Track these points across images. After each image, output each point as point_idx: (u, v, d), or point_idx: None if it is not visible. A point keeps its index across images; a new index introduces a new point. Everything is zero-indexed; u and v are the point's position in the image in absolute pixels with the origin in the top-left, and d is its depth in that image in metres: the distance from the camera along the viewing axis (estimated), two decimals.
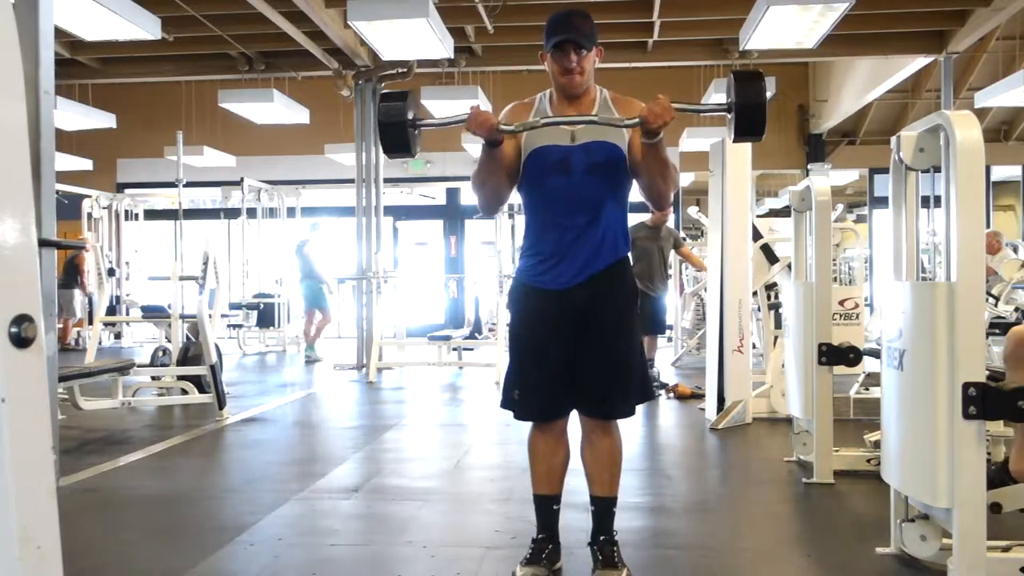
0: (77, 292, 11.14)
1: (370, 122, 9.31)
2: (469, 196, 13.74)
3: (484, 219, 11.36)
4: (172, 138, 8.07)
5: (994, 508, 2.50)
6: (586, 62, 2.41)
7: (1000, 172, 13.82)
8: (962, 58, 9.91)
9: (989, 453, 2.91)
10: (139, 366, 6.42)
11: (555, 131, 2.43)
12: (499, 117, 2.47)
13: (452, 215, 13.89)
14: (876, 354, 4.36)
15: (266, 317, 11.05)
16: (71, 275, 11.07)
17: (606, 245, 2.46)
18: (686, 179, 14.31)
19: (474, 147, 10.81)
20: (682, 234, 7.79)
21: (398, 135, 2.45)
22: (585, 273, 2.45)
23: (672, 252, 7.48)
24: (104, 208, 12.28)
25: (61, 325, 10.85)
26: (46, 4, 3.78)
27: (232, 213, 12.85)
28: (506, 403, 2.59)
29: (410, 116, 2.45)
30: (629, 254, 2.56)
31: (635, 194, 2.57)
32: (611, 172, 2.44)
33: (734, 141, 2.47)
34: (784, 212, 14.38)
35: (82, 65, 9.80)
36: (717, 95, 8.82)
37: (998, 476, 2.66)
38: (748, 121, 2.33)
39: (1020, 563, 2.41)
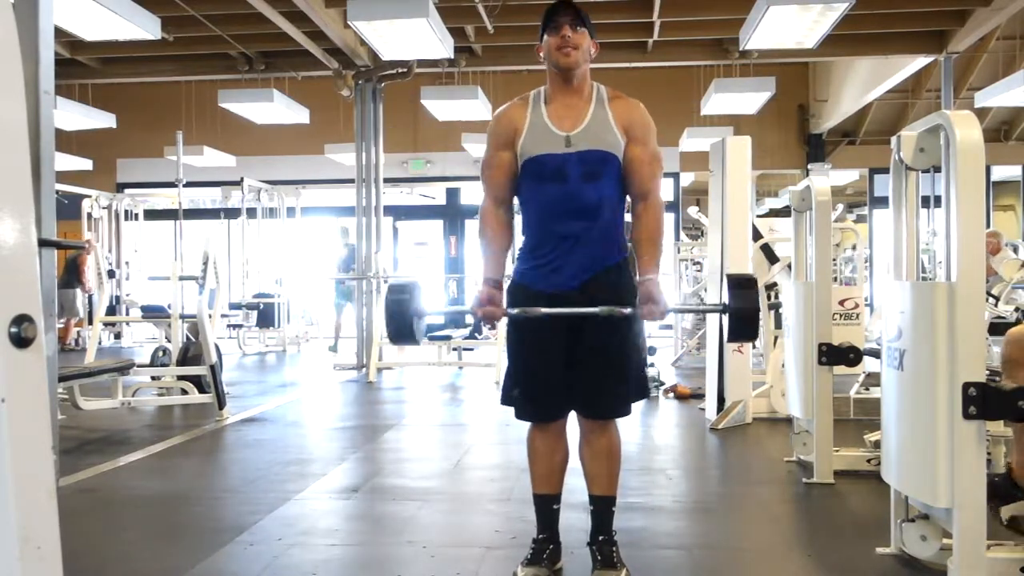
0: (78, 291, 11.14)
1: (370, 122, 9.32)
2: (469, 196, 13.78)
3: None
4: (172, 138, 8.07)
5: (1011, 523, 2.50)
6: (581, 39, 2.42)
7: (1000, 172, 13.81)
8: (962, 58, 9.91)
9: (989, 453, 2.91)
10: (139, 366, 6.43)
11: (551, 138, 2.44)
12: (495, 116, 2.55)
13: (452, 215, 13.89)
14: (876, 354, 4.36)
15: (266, 317, 11.04)
16: (72, 275, 11.07)
17: (603, 250, 2.47)
18: (686, 179, 14.33)
19: (474, 147, 10.82)
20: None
21: (406, 329, 2.55)
22: (582, 277, 2.46)
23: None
24: (104, 208, 12.28)
25: (63, 325, 10.85)
26: (46, 4, 3.78)
27: (232, 213, 12.84)
28: (506, 400, 2.61)
29: (416, 307, 2.57)
30: (627, 255, 2.57)
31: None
32: (607, 179, 2.45)
33: (728, 341, 2.60)
34: (784, 212, 14.38)
35: (82, 65, 9.80)
36: (717, 95, 8.82)
37: (1005, 487, 2.64)
38: (741, 324, 2.48)
39: (1020, 563, 2.41)
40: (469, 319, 11.29)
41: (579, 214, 2.44)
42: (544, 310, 2.43)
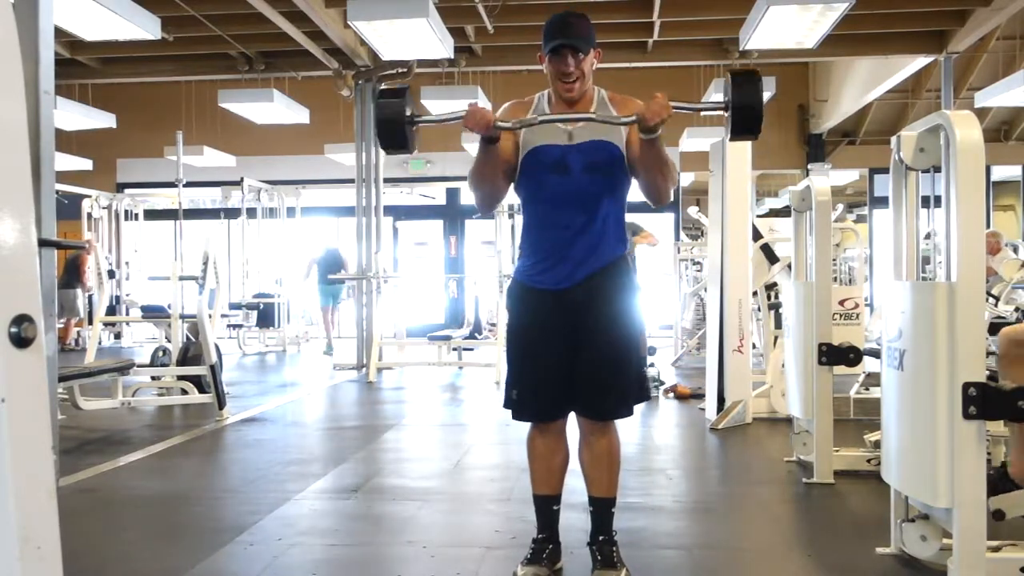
0: (79, 292, 11.14)
1: (370, 122, 9.31)
2: (469, 196, 13.71)
3: (483, 219, 11.36)
4: (172, 138, 8.07)
5: (997, 515, 2.50)
6: (584, 65, 2.41)
7: (1000, 172, 13.81)
8: (962, 58, 9.91)
9: (989, 453, 2.91)
10: (139, 366, 6.43)
11: (553, 130, 2.43)
12: (497, 114, 2.47)
13: (452, 215, 13.89)
14: (876, 354, 4.36)
15: (266, 317, 11.05)
16: (72, 275, 11.07)
17: (604, 244, 2.46)
18: (686, 179, 14.32)
19: (474, 147, 10.75)
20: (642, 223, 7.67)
21: (396, 131, 2.44)
22: (583, 272, 2.45)
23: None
24: (104, 208, 12.28)
25: (63, 325, 10.85)
26: (46, 4, 3.78)
27: (232, 213, 12.84)
28: (508, 403, 2.60)
29: (407, 112, 2.44)
30: (627, 252, 2.56)
31: (635, 193, 2.57)
32: (609, 171, 2.44)
33: (731, 140, 2.48)
34: (784, 212, 14.38)
35: (82, 65, 9.80)
36: (717, 95, 8.81)
37: (999, 481, 2.65)
38: (745, 119, 2.34)
39: (1020, 563, 2.41)
40: (468, 320, 11.30)
41: (580, 206, 2.43)
42: (541, 118, 2.37)
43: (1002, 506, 2.53)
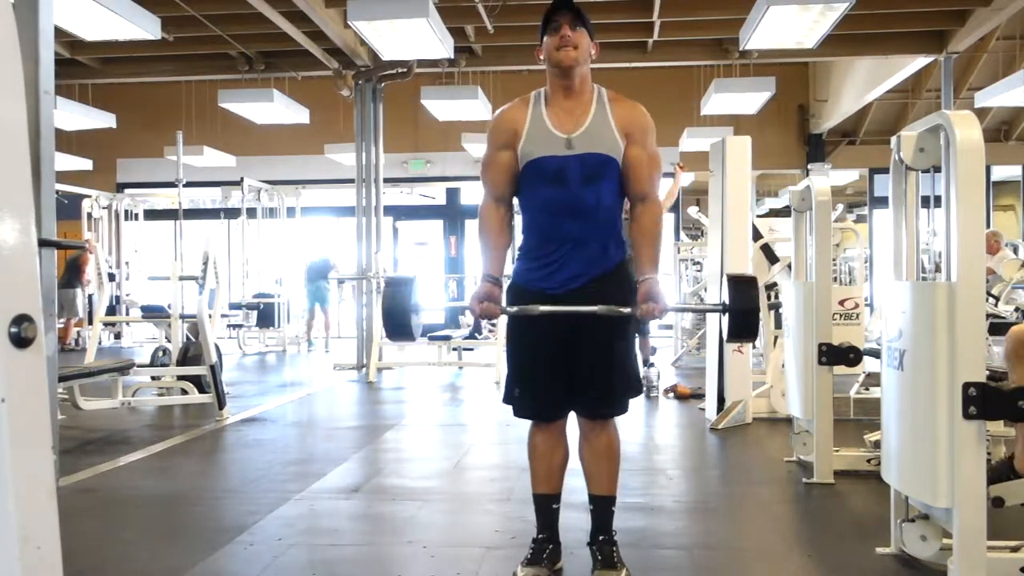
0: (79, 291, 11.15)
1: (370, 122, 9.32)
2: (469, 196, 13.78)
3: None
4: (172, 138, 8.06)
5: (996, 502, 2.50)
6: (580, 38, 2.41)
7: (1000, 172, 13.81)
8: (962, 58, 9.91)
9: (989, 453, 2.91)
10: (139, 366, 6.43)
11: (551, 140, 2.43)
12: (497, 113, 2.53)
13: (452, 215, 13.89)
14: (876, 354, 4.36)
15: (266, 317, 11.05)
16: (73, 275, 11.07)
17: (603, 252, 2.48)
18: (686, 179, 14.30)
19: (474, 147, 10.82)
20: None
21: (403, 323, 2.54)
22: (582, 279, 2.46)
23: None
24: (104, 208, 12.29)
25: (63, 325, 10.86)
26: (46, 4, 3.78)
27: (232, 213, 12.85)
28: (508, 399, 2.61)
29: (414, 301, 2.56)
30: (627, 256, 2.57)
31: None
32: (607, 181, 2.45)
33: (728, 341, 2.58)
34: (784, 212, 14.37)
35: (82, 65, 9.80)
36: (717, 95, 8.82)
37: (1003, 471, 2.65)
38: (740, 323, 2.46)
39: (1020, 563, 2.41)
40: (468, 320, 11.30)
41: (579, 216, 2.44)
42: (543, 308, 2.42)
43: (1002, 494, 2.53)
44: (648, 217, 2.49)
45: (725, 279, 2.52)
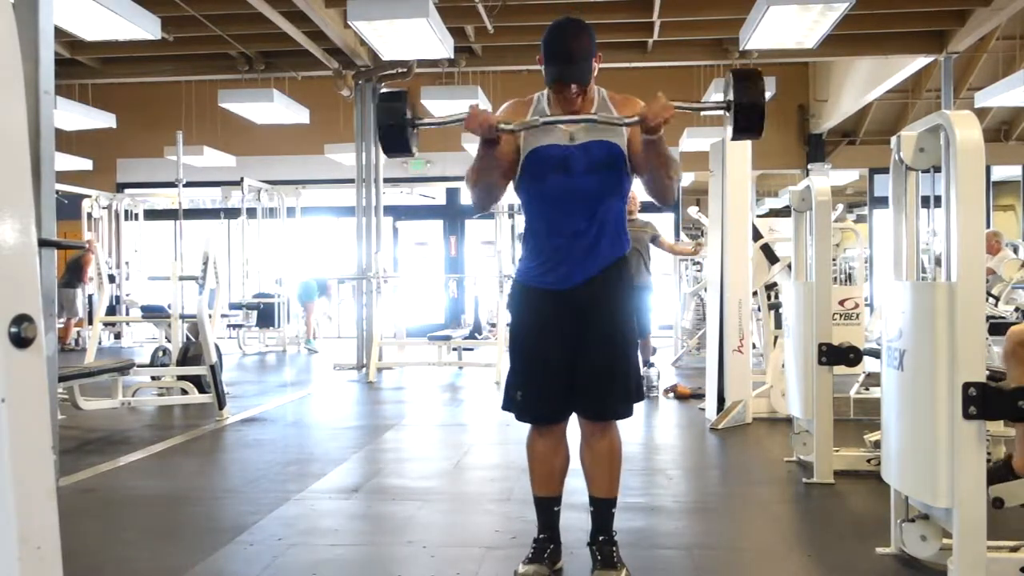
0: (79, 291, 11.15)
1: (370, 122, 9.31)
2: (469, 196, 13.73)
3: (483, 219, 11.37)
4: (172, 138, 8.07)
5: (996, 503, 2.50)
6: (586, 89, 2.41)
7: (1000, 172, 13.81)
8: (962, 58, 9.91)
9: (989, 453, 2.91)
10: (139, 366, 6.43)
11: (554, 131, 2.42)
12: (497, 114, 2.48)
13: (452, 215, 13.89)
14: (876, 354, 4.36)
15: (266, 317, 11.06)
16: (74, 274, 11.07)
17: (606, 245, 2.46)
18: (686, 179, 14.31)
19: (474, 147, 10.77)
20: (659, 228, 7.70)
21: (397, 135, 2.46)
22: (585, 273, 2.45)
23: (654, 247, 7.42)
24: (104, 208, 12.29)
25: (63, 324, 10.86)
26: (46, 4, 3.78)
27: (232, 213, 12.85)
28: (508, 404, 2.59)
29: (408, 116, 2.46)
30: (628, 252, 2.56)
31: (644, 193, 2.56)
32: (611, 171, 2.44)
33: (732, 139, 2.48)
34: (784, 212, 14.37)
35: (82, 65, 9.80)
36: (717, 95, 8.81)
37: (1001, 472, 2.65)
38: (747, 118, 2.34)
39: (1020, 563, 2.41)
40: (468, 319, 11.30)
41: (582, 206, 2.43)
42: (542, 120, 2.36)
43: (1002, 495, 2.53)
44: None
45: (730, 75, 2.38)
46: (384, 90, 2.18)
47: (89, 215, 11.82)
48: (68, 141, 10.60)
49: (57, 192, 3.99)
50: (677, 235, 13.01)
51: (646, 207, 7.92)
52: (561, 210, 2.44)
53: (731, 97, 2.34)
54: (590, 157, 2.41)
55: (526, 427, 2.64)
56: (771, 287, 5.93)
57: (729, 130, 2.40)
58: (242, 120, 10.24)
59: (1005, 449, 3.66)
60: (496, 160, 2.44)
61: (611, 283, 2.47)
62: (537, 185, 2.47)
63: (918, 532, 2.57)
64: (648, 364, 6.58)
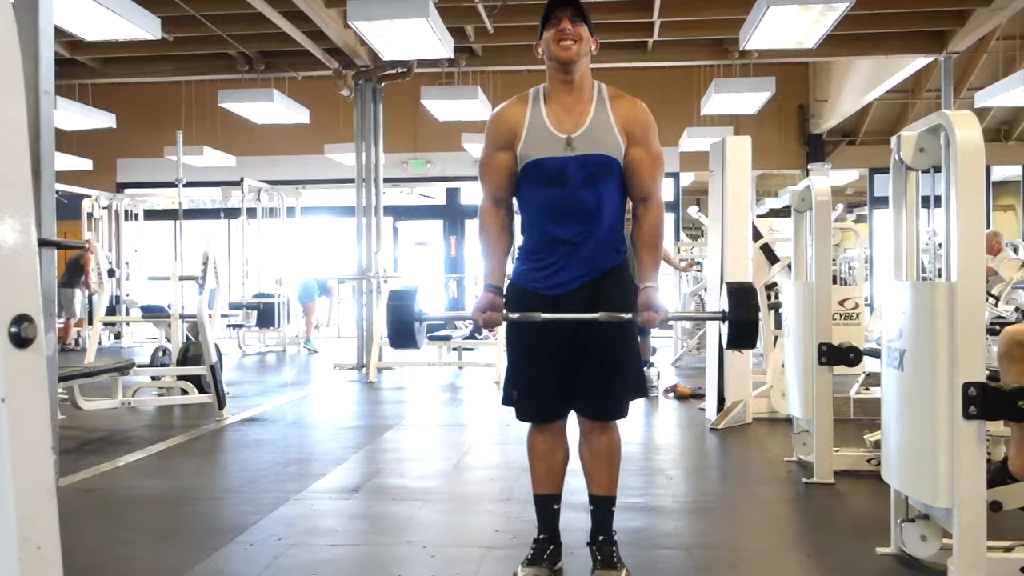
0: (78, 291, 11.15)
1: (370, 122, 9.32)
2: (469, 196, 13.79)
3: None
4: (172, 138, 8.07)
5: (994, 506, 2.50)
6: (581, 31, 2.40)
7: (1000, 172, 13.82)
8: (962, 58, 9.92)
9: (989, 453, 2.91)
10: (139, 366, 6.42)
11: (551, 140, 2.42)
12: (493, 115, 2.52)
13: (452, 215, 13.90)
14: (876, 354, 4.36)
15: (266, 317, 11.06)
16: (75, 274, 11.07)
17: (603, 253, 2.47)
18: (686, 179, 14.33)
19: (474, 147, 10.81)
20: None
21: (406, 332, 2.58)
22: (581, 280, 2.45)
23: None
24: (104, 208, 12.29)
25: (63, 324, 10.86)
26: (46, 4, 3.78)
27: (232, 213, 12.86)
28: (507, 400, 2.60)
29: (416, 311, 2.59)
30: (626, 257, 2.56)
31: None
32: (607, 182, 2.44)
33: (727, 348, 2.66)
34: (784, 212, 14.37)
35: (82, 65, 9.80)
36: (717, 95, 8.82)
37: (998, 475, 2.66)
38: (740, 332, 2.47)
39: (1020, 563, 2.41)
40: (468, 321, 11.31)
41: (579, 217, 2.43)
42: (544, 316, 2.42)
43: (999, 498, 2.53)
44: (650, 221, 2.48)
45: (724, 288, 2.53)
46: (393, 289, 2.31)
47: (89, 215, 11.82)
48: (68, 141, 10.60)
49: (57, 192, 3.99)
50: (677, 235, 13.01)
51: None
52: (558, 220, 2.44)
53: (727, 310, 2.48)
54: (587, 168, 2.41)
55: (526, 426, 2.64)
56: (771, 287, 5.93)
57: (724, 340, 2.55)
58: (242, 120, 10.24)
59: (1005, 450, 3.65)
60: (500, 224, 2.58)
61: (609, 286, 2.47)
62: (534, 195, 2.47)
63: (918, 532, 2.57)
64: (648, 364, 6.58)
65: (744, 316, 2.45)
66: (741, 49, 7.80)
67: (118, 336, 12.39)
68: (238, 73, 9.82)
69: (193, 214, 13.67)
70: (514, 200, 2.58)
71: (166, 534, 3.23)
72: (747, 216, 5.48)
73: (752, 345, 2.59)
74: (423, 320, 2.61)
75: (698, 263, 9.94)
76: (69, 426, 5.29)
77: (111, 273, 10.15)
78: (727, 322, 2.47)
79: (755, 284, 5.75)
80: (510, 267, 2.68)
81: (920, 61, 9.35)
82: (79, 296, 11.19)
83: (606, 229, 2.46)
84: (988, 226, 7.85)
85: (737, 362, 5.34)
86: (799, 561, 2.86)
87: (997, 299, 5.84)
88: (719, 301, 2.55)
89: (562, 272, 2.46)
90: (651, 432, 5.31)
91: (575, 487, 2.78)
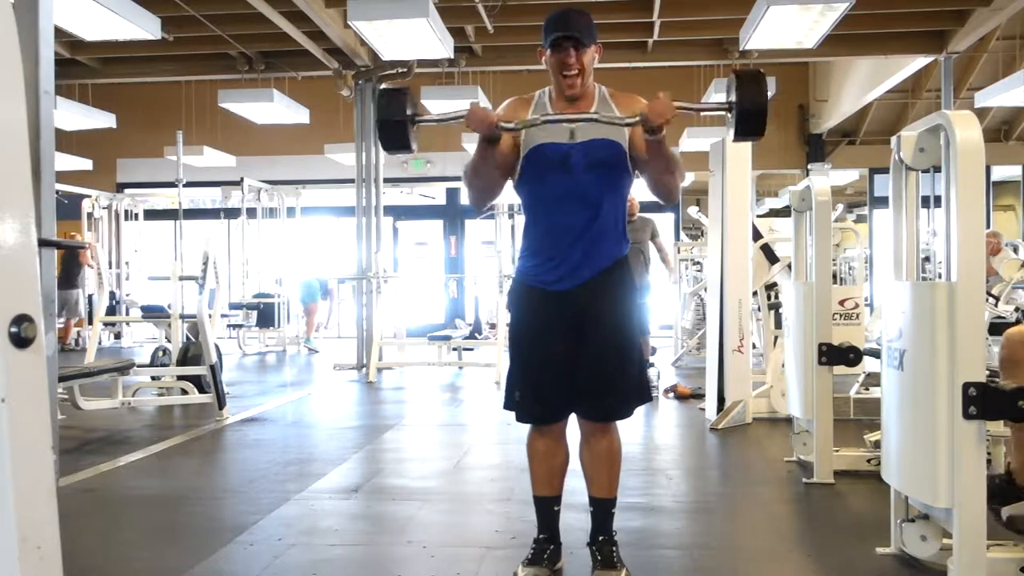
0: (79, 291, 11.12)
1: (370, 122, 9.31)
2: (467, 194, 13.74)
3: (484, 219, 11.38)
4: (172, 138, 8.07)
5: (1010, 523, 2.49)
6: (585, 59, 2.39)
7: (1000, 172, 13.82)
8: (962, 58, 9.91)
9: (989, 453, 2.91)
10: (139, 366, 6.42)
11: (555, 129, 2.41)
12: (498, 111, 2.47)
13: (452, 215, 13.90)
14: (876, 354, 4.36)
15: (266, 317, 11.06)
16: (73, 273, 11.04)
17: (606, 244, 2.46)
18: (686, 179, 14.30)
19: (474, 146, 10.78)
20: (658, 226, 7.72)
21: (397, 131, 2.44)
22: (585, 274, 2.44)
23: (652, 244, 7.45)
24: (104, 208, 12.28)
25: (62, 325, 10.85)
26: (46, 4, 3.78)
27: (232, 213, 12.86)
28: (509, 404, 2.59)
29: (409, 112, 2.44)
30: (628, 252, 2.55)
31: (646, 192, 2.55)
32: (612, 170, 2.43)
33: (734, 140, 2.46)
34: (784, 212, 14.37)
35: (82, 65, 9.80)
36: (717, 95, 8.81)
37: (1006, 488, 2.64)
38: (749, 121, 2.32)
39: (1020, 563, 2.41)
40: (468, 322, 11.30)
41: (582, 205, 2.42)
42: (544, 118, 2.35)
43: (1016, 513, 2.51)
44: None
45: (732, 76, 2.37)
46: (385, 87, 2.16)
47: (89, 215, 11.82)
48: (68, 141, 10.59)
49: (57, 192, 3.99)
50: (677, 235, 13.01)
51: (648, 207, 7.94)
52: (561, 209, 2.43)
53: (733, 98, 2.32)
54: (591, 155, 2.40)
55: (526, 427, 2.64)
56: (771, 287, 5.93)
57: (731, 131, 2.38)
58: (242, 120, 10.24)
59: (1005, 451, 3.65)
60: (495, 158, 2.43)
61: (611, 283, 2.46)
62: (537, 183, 2.46)
63: (918, 532, 2.57)
64: (648, 364, 6.58)
65: (752, 101, 2.30)
66: (741, 49, 7.79)
67: (118, 336, 12.39)
68: (238, 73, 9.81)
69: (193, 214, 13.66)
70: (514, 200, 2.57)
71: (166, 534, 3.23)
72: (747, 216, 5.48)
73: (761, 134, 2.36)
74: (415, 121, 2.47)
75: (697, 263, 9.94)
76: (69, 426, 5.29)
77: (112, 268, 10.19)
78: (735, 110, 2.32)
79: (755, 284, 5.76)
80: (511, 267, 2.67)
81: (920, 61, 9.35)
82: (81, 296, 11.17)
83: (609, 217, 2.44)
84: (988, 226, 7.85)
85: (737, 362, 5.34)
86: (799, 561, 2.86)
87: (997, 299, 5.84)
88: (727, 93, 2.37)
89: (565, 263, 2.43)
90: (651, 432, 5.31)
91: (575, 487, 2.78)
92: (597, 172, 2.41)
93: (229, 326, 11.52)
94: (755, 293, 5.90)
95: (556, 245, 2.45)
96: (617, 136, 2.41)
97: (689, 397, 6.41)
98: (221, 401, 5.69)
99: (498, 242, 9.92)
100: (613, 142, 2.41)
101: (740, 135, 2.36)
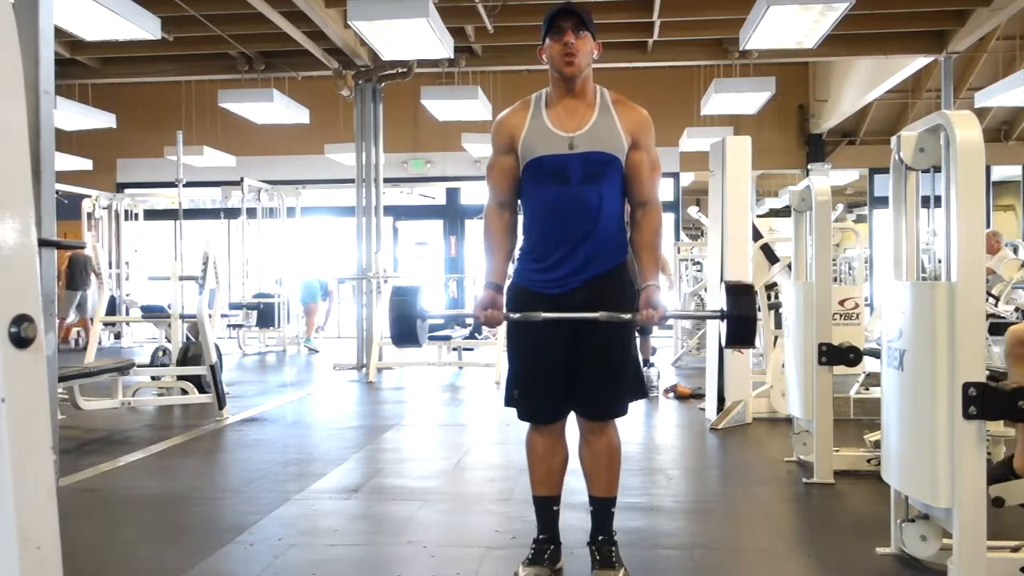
0: (89, 292, 11.11)
1: (370, 122, 9.32)
2: (469, 196, 13.79)
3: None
4: (172, 138, 8.06)
5: (996, 503, 2.50)
6: (584, 44, 2.42)
7: (1000, 172, 13.82)
8: (962, 58, 9.91)
9: (989, 453, 2.91)
10: (139, 366, 6.42)
11: (553, 139, 2.44)
12: (496, 121, 2.54)
13: (452, 215, 13.89)
14: (876, 354, 4.36)
15: (266, 317, 11.06)
16: (76, 274, 11.03)
17: (604, 252, 2.47)
18: (686, 179, 14.32)
19: (474, 147, 10.82)
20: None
21: (409, 329, 2.57)
22: (581, 278, 2.46)
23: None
24: (104, 208, 12.28)
25: (79, 325, 10.90)
26: (46, 4, 3.78)
27: (232, 213, 12.85)
28: (509, 401, 2.61)
29: (419, 309, 2.60)
30: (628, 257, 2.57)
31: None
32: (609, 181, 2.45)
33: (726, 347, 2.69)
34: (784, 212, 14.38)
35: (82, 65, 9.80)
36: (717, 95, 8.82)
37: (1001, 471, 2.66)
38: (739, 330, 2.49)
39: (1020, 563, 2.41)
40: (469, 319, 11.29)
41: (580, 216, 2.44)
42: (544, 315, 2.42)
43: (1002, 494, 2.53)
44: (649, 223, 2.50)
45: (723, 287, 2.55)
46: (396, 285, 2.32)
47: (89, 215, 11.81)
48: (68, 141, 10.60)
49: (57, 192, 3.99)
50: (677, 235, 13.01)
51: None
52: (559, 218, 2.45)
53: (725, 308, 2.49)
54: (589, 167, 2.42)
55: (526, 427, 2.64)
56: (771, 287, 5.93)
57: (723, 338, 2.55)
58: (242, 120, 10.24)
59: (1005, 449, 3.66)
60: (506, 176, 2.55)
61: (609, 286, 2.47)
62: (537, 193, 2.49)
63: (918, 532, 2.57)
64: (648, 364, 6.58)
65: (742, 314, 2.47)
66: (741, 49, 7.80)
67: (118, 336, 12.39)
68: (238, 73, 9.82)
69: (193, 214, 13.66)
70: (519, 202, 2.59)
71: (166, 534, 3.23)
72: (747, 216, 5.48)
73: (751, 344, 2.61)
74: (425, 318, 2.62)
75: (697, 263, 9.94)
76: (69, 426, 5.29)
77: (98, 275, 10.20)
78: (725, 320, 2.48)
79: (755, 284, 5.76)
80: (511, 268, 2.69)
81: (920, 61, 9.35)
82: (90, 296, 11.15)
83: (607, 227, 2.47)
84: (988, 226, 7.85)
85: (737, 362, 5.34)
86: (799, 561, 2.86)
87: (997, 299, 5.84)
88: (719, 296, 2.57)
89: (563, 270, 2.46)
90: (651, 432, 5.31)
91: (575, 487, 2.78)
92: (595, 183, 2.44)
93: (229, 326, 11.52)
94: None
95: (554, 253, 2.47)
96: (615, 149, 2.44)
97: (689, 397, 6.40)
98: (221, 401, 5.69)
99: None
100: (612, 156, 2.43)
101: (731, 342, 2.53)
